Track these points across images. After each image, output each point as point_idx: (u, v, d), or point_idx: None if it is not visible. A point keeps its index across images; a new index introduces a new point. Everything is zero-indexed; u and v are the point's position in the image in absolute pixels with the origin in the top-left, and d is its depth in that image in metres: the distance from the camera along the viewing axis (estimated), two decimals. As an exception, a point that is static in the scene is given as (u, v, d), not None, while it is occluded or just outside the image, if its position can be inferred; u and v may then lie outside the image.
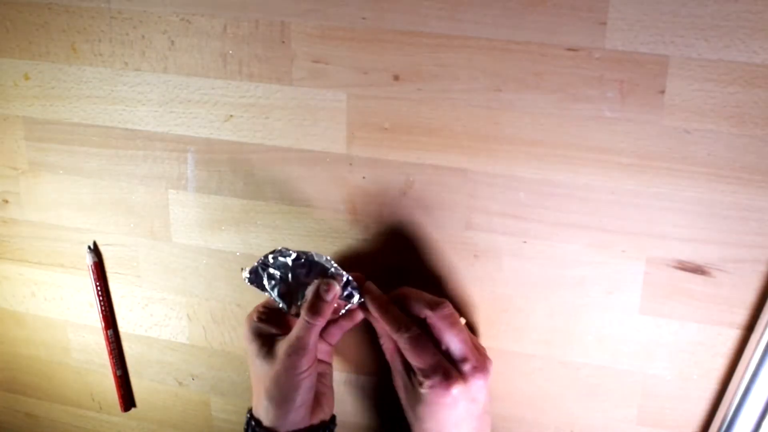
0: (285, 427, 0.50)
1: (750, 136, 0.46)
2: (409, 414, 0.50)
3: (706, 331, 0.51)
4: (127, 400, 0.69)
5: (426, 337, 0.49)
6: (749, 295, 0.49)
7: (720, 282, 0.49)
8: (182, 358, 0.66)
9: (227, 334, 0.63)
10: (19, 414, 0.75)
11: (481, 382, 0.48)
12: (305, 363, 0.49)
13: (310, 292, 0.51)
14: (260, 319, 0.53)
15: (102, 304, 0.65)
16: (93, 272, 0.64)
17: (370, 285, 0.52)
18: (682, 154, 0.47)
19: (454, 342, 0.49)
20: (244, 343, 0.53)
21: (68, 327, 0.68)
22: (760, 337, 0.48)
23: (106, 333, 0.66)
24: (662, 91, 0.46)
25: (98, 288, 0.64)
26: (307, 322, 0.50)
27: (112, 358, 0.67)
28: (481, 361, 0.49)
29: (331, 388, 0.56)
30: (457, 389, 0.47)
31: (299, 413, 0.51)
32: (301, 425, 0.51)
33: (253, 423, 0.51)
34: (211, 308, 0.63)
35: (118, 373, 0.67)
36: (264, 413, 0.51)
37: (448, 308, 0.50)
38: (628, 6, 0.45)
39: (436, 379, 0.47)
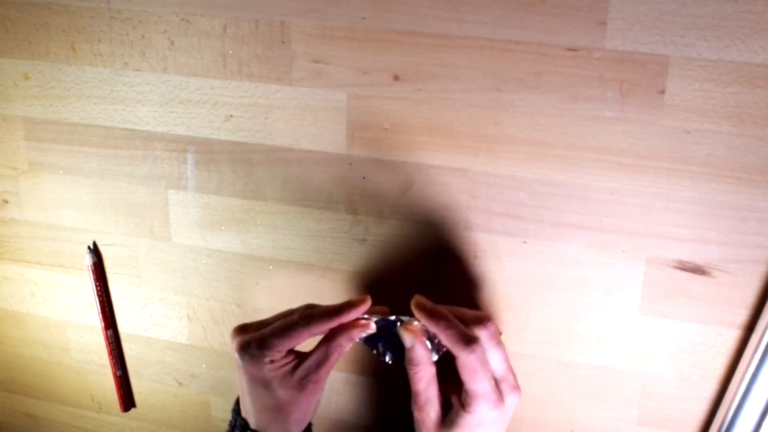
0: None
1: (750, 136, 0.46)
2: None
3: (706, 331, 0.51)
4: (127, 401, 0.69)
5: (485, 359, 0.46)
6: (749, 295, 0.49)
7: (720, 282, 0.49)
8: (182, 358, 0.66)
9: (227, 334, 0.63)
10: (19, 414, 0.75)
11: (516, 401, 0.47)
12: (324, 384, 0.49)
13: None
14: (272, 361, 0.48)
15: (102, 304, 0.65)
16: (93, 272, 0.64)
17: (423, 300, 0.48)
18: (682, 154, 0.47)
19: (498, 361, 0.47)
20: (243, 377, 0.49)
21: (68, 327, 0.68)
22: (760, 337, 0.48)
23: (106, 333, 0.66)
24: (662, 91, 0.46)
25: (98, 288, 0.64)
26: (329, 353, 0.48)
27: (112, 358, 0.67)
28: (516, 379, 0.48)
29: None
30: (498, 411, 0.46)
31: (305, 424, 0.51)
32: None
33: None
34: (211, 308, 0.63)
35: (118, 374, 0.67)
36: (265, 427, 0.50)
37: (495, 325, 0.47)
38: (628, 6, 0.45)
39: (487, 404, 0.46)
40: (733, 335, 0.50)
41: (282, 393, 0.48)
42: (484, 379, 0.45)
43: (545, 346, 0.55)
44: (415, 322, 0.47)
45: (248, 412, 0.50)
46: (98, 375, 0.69)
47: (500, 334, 0.48)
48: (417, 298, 0.48)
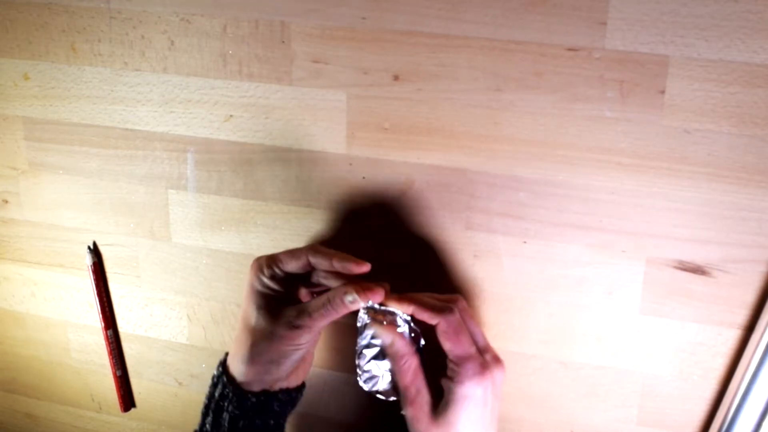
0: (255, 386, 0.50)
1: (750, 136, 0.46)
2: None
3: (706, 331, 0.51)
4: (127, 401, 0.69)
5: (463, 324, 0.49)
6: (749, 295, 0.49)
7: (720, 282, 0.49)
8: (182, 358, 0.66)
9: (227, 334, 0.63)
10: (19, 414, 0.75)
11: (501, 375, 0.48)
12: (306, 338, 0.49)
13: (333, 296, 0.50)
14: (272, 276, 0.51)
15: (102, 304, 0.65)
16: (93, 272, 0.64)
17: (388, 290, 0.51)
18: (682, 154, 0.47)
19: (476, 333, 0.49)
20: (245, 292, 0.52)
21: (68, 327, 0.68)
22: (760, 337, 0.48)
23: (106, 333, 0.66)
24: (662, 91, 0.46)
25: (98, 288, 0.64)
26: (327, 310, 0.49)
27: (112, 358, 0.67)
28: (497, 354, 0.50)
29: (311, 359, 0.56)
30: (485, 384, 0.47)
31: (277, 377, 0.51)
32: (273, 388, 0.51)
33: (224, 379, 0.50)
34: (211, 308, 0.63)
35: (118, 374, 0.67)
36: (241, 364, 0.50)
37: (464, 302, 0.50)
38: (628, 6, 0.45)
39: (472, 368, 0.47)
40: (733, 335, 0.50)
41: (260, 321, 0.49)
42: (465, 341, 0.48)
43: (545, 346, 0.55)
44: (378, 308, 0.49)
45: (232, 347, 0.52)
46: (98, 375, 0.69)
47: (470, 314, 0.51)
48: (381, 289, 0.50)
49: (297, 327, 0.49)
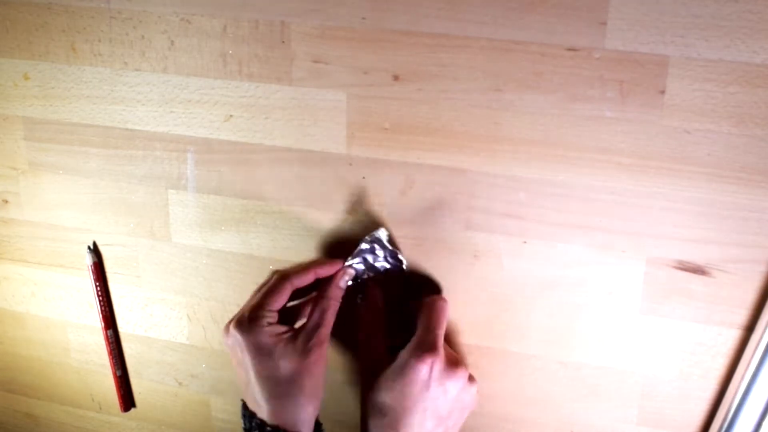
0: (307, 427, 0.50)
1: (750, 136, 0.46)
2: (376, 400, 0.49)
3: (706, 331, 0.51)
4: (127, 401, 0.69)
5: (444, 311, 0.53)
6: (749, 295, 0.49)
7: (720, 282, 0.49)
8: (182, 358, 0.66)
9: (227, 334, 0.63)
10: (19, 414, 0.75)
11: (459, 379, 0.50)
12: (326, 348, 0.51)
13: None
14: (270, 324, 0.50)
15: (102, 304, 0.65)
16: (93, 272, 0.64)
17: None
18: (682, 154, 0.47)
19: (443, 330, 0.51)
20: (251, 356, 0.49)
21: (68, 327, 0.68)
22: (760, 337, 0.48)
23: (106, 333, 0.66)
24: (662, 91, 0.46)
25: (98, 288, 0.64)
26: (324, 310, 0.51)
27: (112, 358, 0.67)
28: (456, 359, 0.51)
29: None
30: (431, 361, 0.48)
31: (320, 403, 0.51)
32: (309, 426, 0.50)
33: (269, 429, 0.49)
34: (211, 308, 0.63)
35: (118, 374, 0.67)
36: (301, 412, 0.49)
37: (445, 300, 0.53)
38: (628, 6, 0.45)
39: (424, 344, 0.49)
40: (733, 335, 0.50)
41: (289, 363, 0.49)
42: (436, 322, 0.51)
43: (545, 346, 0.55)
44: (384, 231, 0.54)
45: (258, 402, 0.50)
46: (98, 375, 0.69)
47: None
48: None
49: (320, 342, 0.50)
